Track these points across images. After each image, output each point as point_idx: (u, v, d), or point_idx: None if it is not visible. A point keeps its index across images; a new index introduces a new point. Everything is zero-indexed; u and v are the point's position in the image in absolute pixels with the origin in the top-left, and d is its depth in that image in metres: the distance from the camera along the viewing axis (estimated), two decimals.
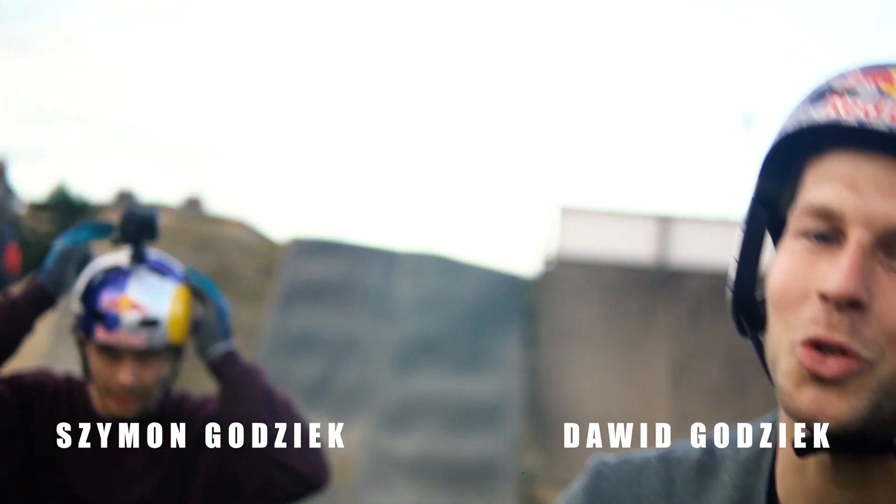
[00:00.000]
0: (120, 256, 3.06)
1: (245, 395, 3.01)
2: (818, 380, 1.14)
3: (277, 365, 14.79)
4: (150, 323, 2.93)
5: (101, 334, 2.90)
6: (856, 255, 1.15)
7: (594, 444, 14.77)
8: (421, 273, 17.42)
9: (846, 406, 1.14)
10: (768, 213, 1.28)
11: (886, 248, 1.16)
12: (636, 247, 17.56)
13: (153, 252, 3.10)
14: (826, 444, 1.16)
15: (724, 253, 17.40)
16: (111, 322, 2.90)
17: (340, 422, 13.84)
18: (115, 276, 3.01)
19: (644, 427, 14.75)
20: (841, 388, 1.14)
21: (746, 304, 1.29)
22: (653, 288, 16.99)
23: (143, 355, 2.93)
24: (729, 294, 1.30)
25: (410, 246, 18.66)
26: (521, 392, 15.24)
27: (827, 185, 1.18)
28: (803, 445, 1.18)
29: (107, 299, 2.95)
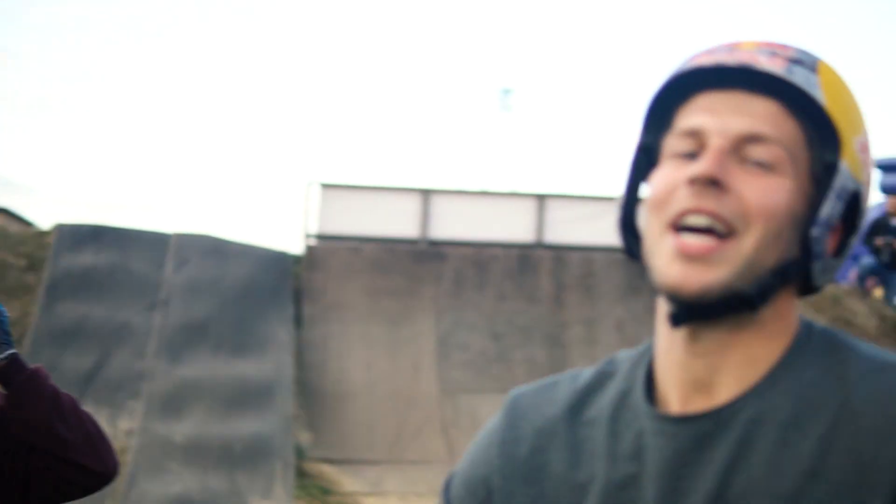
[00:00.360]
0: None
1: (32, 399, 3.09)
2: (687, 258, 1.44)
3: (46, 357, 14.34)
4: None
5: None
6: (715, 151, 1.47)
7: (364, 419, 15.12)
8: (189, 256, 17.05)
9: (710, 276, 1.43)
10: (647, 160, 1.61)
11: (739, 151, 1.47)
12: (399, 221, 17.70)
13: None
14: (689, 310, 1.46)
15: (484, 226, 17.86)
16: None
17: (112, 410, 13.79)
18: None
19: (413, 399, 15.28)
20: (706, 264, 1.43)
21: (629, 228, 1.61)
22: (417, 262, 17.14)
23: None
24: (617, 219, 1.62)
25: (178, 229, 18.34)
26: (292, 371, 15.22)
27: (693, 114, 1.52)
28: (675, 312, 1.47)
29: None
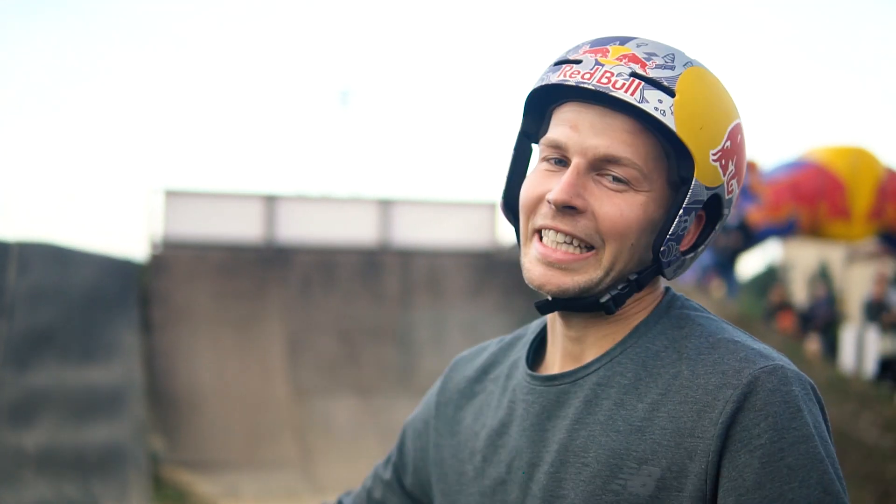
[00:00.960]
0: None
1: None
2: (548, 263, 1.67)
3: None
4: None
5: None
6: (572, 174, 1.64)
7: (217, 423, 15.10)
8: (32, 263, 16.52)
9: (567, 280, 1.67)
10: (527, 144, 1.81)
11: (597, 170, 1.65)
12: (244, 226, 17.75)
13: None
14: (553, 302, 1.70)
15: (331, 230, 17.97)
16: None
17: None
18: None
19: (264, 402, 15.32)
20: (564, 271, 1.66)
21: (510, 207, 1.81)
22: (263, 266, 17.23)
23: None
24: (500, 200, 1.84)
25: (19, 236, 17.93)
26: (142, 377, 15.12)
27: (559, 126, 1.68)
28: (540, 301, 1.72)
29: None
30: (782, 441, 1.52)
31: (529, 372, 1.81)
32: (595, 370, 1.71)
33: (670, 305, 1.76)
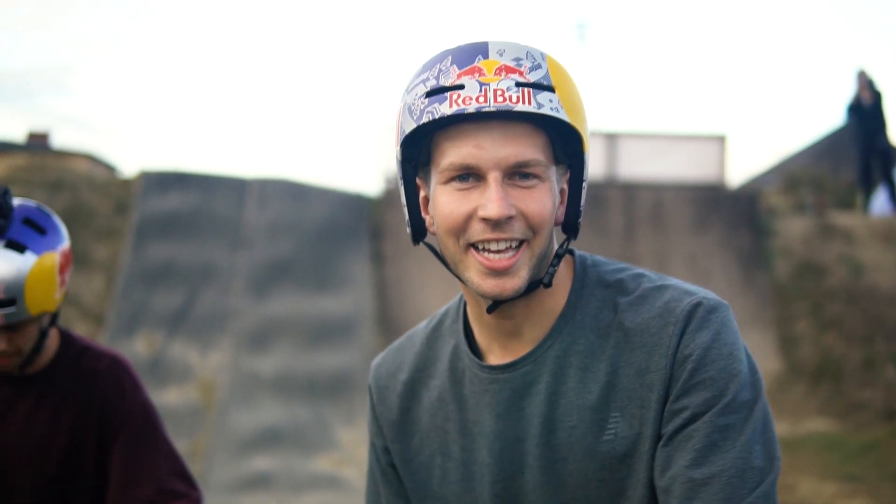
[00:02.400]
0: None
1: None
2: (495, 273, 1.79)
3: (138, 297, 15.01)
4: (5, 303, 2.88)
5: None
6: (496, 187, 1.75)
7: None
8: (270, 199, 17.37)
9: (517, 281, 1.80)
10: (411, 171, 1.88)
11: (512, 175, 1.77)
12: None
13: (32, 209, 3.01)
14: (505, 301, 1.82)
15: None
16: None
17: (202, 346, 14.27)
18: None
19: None
20: (511, 274, 1.79)
21: (418, 228, 1.92)
22: None
23: (13, 326, 2.93)
24: (407, 227, 1.93)
25: (258, 173, 18.59)
26: (372, 307, 15.47)
27: (460, 148, 1.76)
28: (490, 305, 1.84)
29: None
30: (711, 351, 1.79)
31: (480, 363, 1.97)
32: (550, 345, 1.90)
33: (584, 267, 1.97)
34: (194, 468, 11.71)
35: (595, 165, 18.15)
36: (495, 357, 1.96)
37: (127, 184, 18.13)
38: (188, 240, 16.31)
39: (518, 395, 1.91)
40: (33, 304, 2.90)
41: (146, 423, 3.15)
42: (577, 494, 1.87)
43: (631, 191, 17.71)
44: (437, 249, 1.91)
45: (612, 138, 18.71)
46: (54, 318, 3.12)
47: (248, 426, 12.84)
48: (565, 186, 1.89)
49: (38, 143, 40.58)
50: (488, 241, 1.78)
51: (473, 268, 1.80)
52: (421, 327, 2.15)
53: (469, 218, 1.79)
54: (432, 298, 15.60)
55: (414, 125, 1.79)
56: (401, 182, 1.90)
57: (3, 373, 3.09)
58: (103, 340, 14.30)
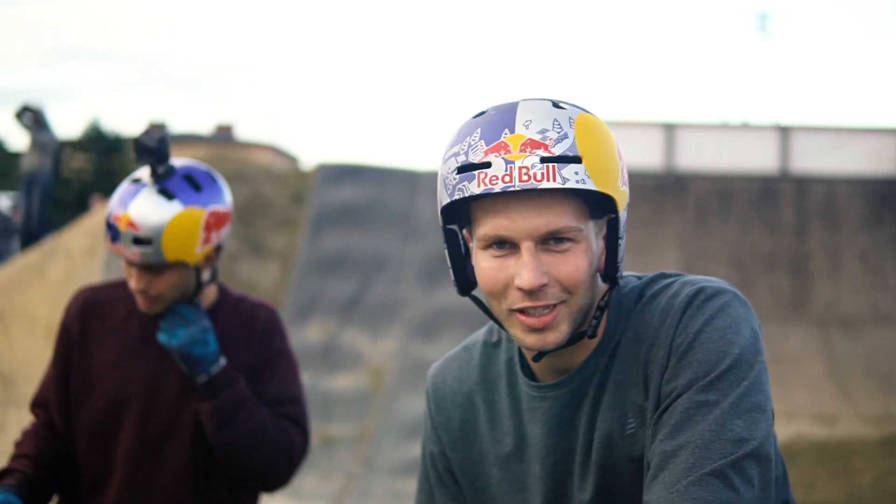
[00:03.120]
0: (145, 171, 3.17)
1: (236, 425, 3.21)
2: (536, 330, 1.86)
3: (313, 285, 15.37)
4: (142, 241, 3.04)
5: (108, 244, 3.11)
6: (529, 257, 1.81)
7: None
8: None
9: (558, 335, 1.87)
10: (454, 232, 1.97)
11: (544, 242, 1.82)
12: (644, 154, 17.79)
13: (198, 169, 3.21)
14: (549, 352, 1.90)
15: (728, 157, 17.83)
16: (114, 235, 3.07)
17: (373, 334, 14.54)
18: (130, 190, 3.11)
19: None
20: (551, 329, 1.86)
21: (465, 282, 1.99)
22: (661, 194, 17.28)
23: (151, 267, 3.11)
24: (455, 286, 2.00)
25: (430, 166, 18.78)
26: None
27: (493, 220, 1.83)
28: (535, 355, 1.94)
29: (114, 213, 3.09)
30: (701, 335, 1.86)
31: (531, 382, 2.06)
32: (596, 362, 1.99)
33: (619, 302, 2.02)
34: (362, 451, 12.04)
35: (768, 160, 17.93)
36: (544, 374, 2.05)
37: (304, 176, 18.54)
38: (361, 230, 16.57)
39: (567, 410, 2.01)
40: (169, 250, 3.07)
41: (292, 365, 3.42)
42: (622, 500, 1.96)
43: (803, 185, 17.42)
44: (485, 303, 1.97)
45: (785, 131, 18.40)
46: (213, 275, 3.30)
47: (414, 412, 12.91)
48: (605, 241, 1.93)
49: (223, 134, 41.80)
50: (527, 308, 1.85)
51: (517, 326, 1.88)
52: (480, 339, 2.24)
53: (507, 286, 1.85)
54: None
55: (448, 200, 1.85)
56: (444, 246, 1.98)
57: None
58: None
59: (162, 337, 3.16)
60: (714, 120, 20.86)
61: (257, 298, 3.47)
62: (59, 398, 3.32)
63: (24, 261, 15.44)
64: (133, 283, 3.14)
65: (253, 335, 3.36)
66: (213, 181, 3.22)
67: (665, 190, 17.50)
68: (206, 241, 3.16)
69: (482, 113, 1.88)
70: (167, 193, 3.10)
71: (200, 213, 3.13)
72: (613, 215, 1.87)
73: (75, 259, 15.43)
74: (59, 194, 29.40)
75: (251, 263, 15.92)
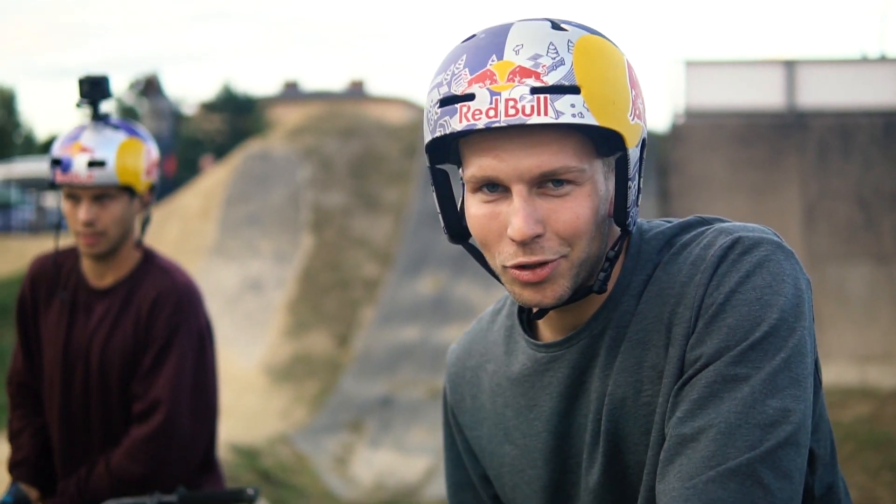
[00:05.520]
0: (86, 114, 3.39)
1: None
2: (532, 284, 1.64)
3: (425, 238, 15.42)
4: (97, 163, 3.23)
5: (58, 176, 3.26)
6: (521, 203, 1.59)
7: None
8: None
9: (557, 290, 1.64)
10: (440, 171, 1.75)
11: (539, 185, 1.60)
12: (763, 93, 17.40)
13: (118, 120, 3.44)
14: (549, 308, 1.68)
15: (849, 94, 17.33)
16: (65, 165, 3.24)
17: (484, 287, 14.55)
18: (73, 130, 3.34)
19: None
20: (550, 283, 1.63)
21: (457, 231, 1.78)
22: (781, 133, 16.90)
23: (100, 197, 3.28)
24: (444, 233, 1.78)
25: None
26: None
27: (481, 158, 1.61)
28: (536, 312, 1.72)
29: (62, 146, 3.28)
30: (736, 296, 1.60)
31: (535, 342, 1.84)
32: (606, 316, 1.75)
33: (640, 233, 1.78)
34: None
35: (890, 94, 17.35)
36: (550, 333, 1.83)
37: (416, 128, 18.59)
38: None
39: (577, 371, 1.78)
40: (122, 172, 3.27)
41: (172, 345, 3.36)
42: (634, 481, 1.73)
43: None
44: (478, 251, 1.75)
45: None
46: (143, 226, 3.48)
47: None
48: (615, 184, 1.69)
49: (356, 90, 42.18)
50: (521, 265, 1.62)
51: (513, 281, 1.66)
52: (489, 309, 2.05)
53: (500, 236, 1.64)
54: None
55: (430, 137, 1.66)
56: (432, 187, 1.76)
57: (87, 283, 3.43)
58: (391, 280, 14.83)
59: None
60: (835, 55, 20.22)
61: (175, 272, 3.49)
62: (25, 362, 3.54)
63: None
64: (82, 215, 3.26)
65: (142, 314, 3.39)
66: (145, 131, 3.48)
67: (785, 129, 17.07)
68: (148, 172, 3.38)
69: (472, 37, 1.65)
70: (112, 126, 3.36)
71: (142, 144, 3.37)
72: (622, 153, 1.63)
73: (190, 220, 15.69)
74: (188, 155, 29.97)
75: (364, 218, 16.02)
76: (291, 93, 53.52)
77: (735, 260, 1.62)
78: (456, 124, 1.57)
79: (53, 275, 3.48)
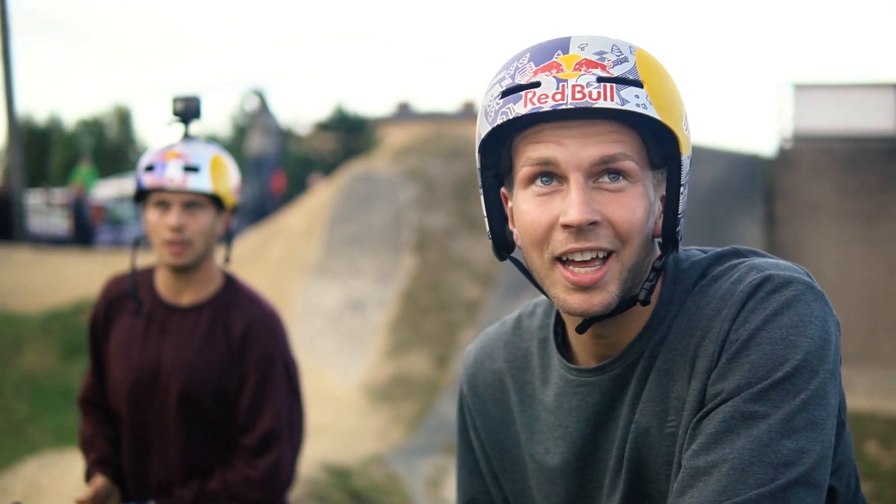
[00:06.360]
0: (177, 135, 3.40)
1: None
2: (581, 288, 1.64)
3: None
4: (192, 168, 3.23)
5: (148, 180, 3.25)
6: (578, 190, 1.60)
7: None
8: None
9: (606, 296, 1.64)
10: (493, 177, 1.76)
11: (596, 177, 1.62)
12: (872, 118, 17.08)
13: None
14: (594, 318, 1.69)
15: None
16: (158, 169, 3.24)
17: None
18: (165, 145, 3.32)
19: (888, 297, 14.95)
20: (598, 288, 1.64)
21: (503, 242, 1.79)
22: (892, 158, 16.56)
23: (190, 205, 3.26)
24: (489, 239, 1.80)
25: None
26: None
27: (542, 146, 1.63)
28: (579, 325, 1.71)
29: (155, 155, 3.28)
30: (761, 334, 1.61)
31: (569, 365, 1.86)
32: (640, 347, 1.76)
33: (676, 263, 1.79)
34: None
35: None
36: (584, 357, 1.86)
37: None
38: None
39: (608, 398, 1.80)
40: (215, 180, 3.28)
41: (270, 377, 3.36)
42: (659, 502, 1.75)
43: None
44: (525, 265, 1.76)
45: None
46: (229, 242, 3.51)
47: None
48: (664, 195, 1.72)
49: (468, 111, 42.27)
50: (572, 251, 1.63)
51: (559, 284, 1.66)
52: (514, 315, 2.06)
53: (551, 227, 1.65)
54: (826, 261, 15.18)
55: (489, 128, 1.67)
56: (481, 191, 1.79)
57: (168, 302, 3.42)
58: (493, 301, 14.83)
59: None
60: None
61: (260, 298, 3.49)
62: (95, 382, 3.55)
63: (250, 240, 15.95)
64: (171, 220, 3.24)
65: (234, 340, 3.38)
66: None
67: (895, 154, 16.69)
68: (236, 191, 3.39)
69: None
70: (203, 142, 3.36)
71: (230, 164, 3.39)
72: (675, 162, 1.68)
73: (294, 238, 15.86)
74: (299, 174, 30.28)
75: (466, 239, 16.03)
76: (403, 113, 54.09)
77: (763, 298, 1.63)
78: (521, 108, 1.60)
79: (128, 293, 3.46)
